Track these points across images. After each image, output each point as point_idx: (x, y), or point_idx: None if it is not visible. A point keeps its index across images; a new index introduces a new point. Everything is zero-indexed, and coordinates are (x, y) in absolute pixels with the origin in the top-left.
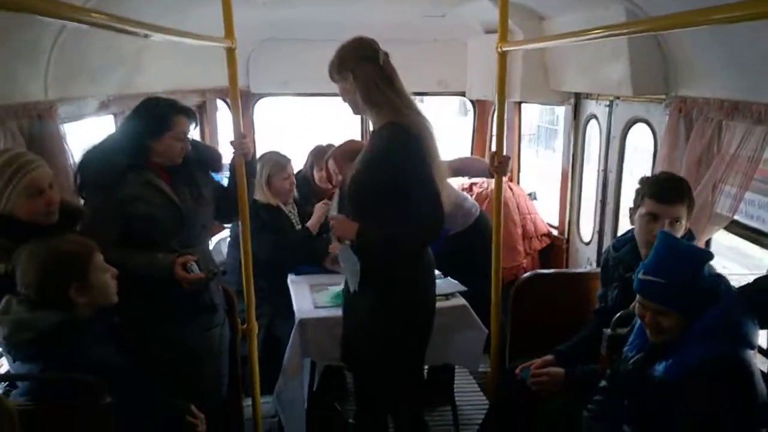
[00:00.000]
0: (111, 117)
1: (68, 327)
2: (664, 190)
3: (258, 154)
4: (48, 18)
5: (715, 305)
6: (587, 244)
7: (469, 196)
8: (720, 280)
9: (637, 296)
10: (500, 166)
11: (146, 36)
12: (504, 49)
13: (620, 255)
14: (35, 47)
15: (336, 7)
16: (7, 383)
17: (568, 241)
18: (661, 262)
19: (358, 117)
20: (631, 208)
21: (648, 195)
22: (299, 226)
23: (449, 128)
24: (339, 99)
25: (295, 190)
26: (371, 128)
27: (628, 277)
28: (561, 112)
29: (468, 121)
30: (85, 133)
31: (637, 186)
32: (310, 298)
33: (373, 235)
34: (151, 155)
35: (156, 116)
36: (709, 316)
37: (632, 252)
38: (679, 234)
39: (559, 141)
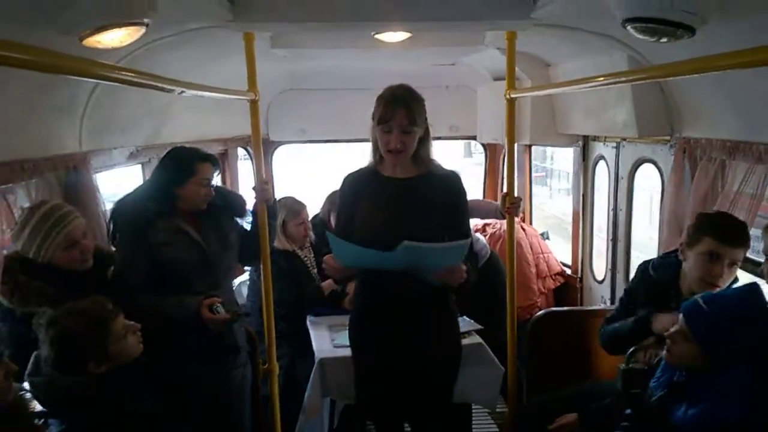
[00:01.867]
0: (139, 166)
1: (93, 386)
2: (730, 232)
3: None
4: (90, 80)
5: (750, 362)
6: (600, 282)
7: (481, 237)
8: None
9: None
10: (512, 207)
11: (181, 93)
12: (512, 95)
13: (658, 279)
14: (72, 102)
15: (351, 59)
16: None
17: (581, 279)
18: (723, 303)
19: None
20: (683, 243)
21: (710, 234)
22: (315, 270)
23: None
24: (354, 144)
25: (311, 234)
26: (398, 173)
27: (660, 302)
28: (553, 152)
29: (473, 163)
30: (115, 182)
31: (695, 222)
32: (329, 338)
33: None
34: (177, 202)
35: (179, 164)
36: (746, 373)
37: (672, 281)
38: (732, 276)
39: (553, 179)
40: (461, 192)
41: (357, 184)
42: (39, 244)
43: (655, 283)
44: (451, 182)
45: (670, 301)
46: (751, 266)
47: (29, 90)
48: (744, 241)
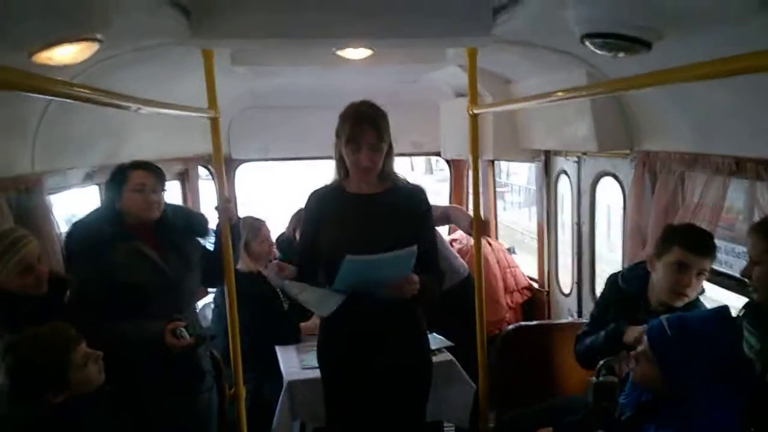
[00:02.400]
0: (96, 187)
1: (51, 416)
2: (698, 242)
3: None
4: (42, 96)
5: (718, 387)
6: (567, 295)
7: (459, 257)
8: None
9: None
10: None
11: (137, 110)
12: (475, 111)
13: (627, 290)
14: (23, 122)
15: (313, 76)
16: None
17: (548, 293)
18: (689, 327)
19: None
20: (652, 255)
21: (678, 244)
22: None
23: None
24: (318, 162)
25: (276, 251)
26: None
27: (630, 313)
28: (511, 167)
29: (434, 180)
30: (71, 203)
31: (663, 233)
32: (297, 359)
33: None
34: (126, 219)
35: (112, 177)
36: (713, 399)
37: (641, 292)
38: (700, 286)
39: (511, 195)
40: (427, 205)
41: (322, 200)
42: None
43: (625, 295)
44: (417, 196)
45: (639, 313)
46: (718, 278)
47: None
48: (711, 251)
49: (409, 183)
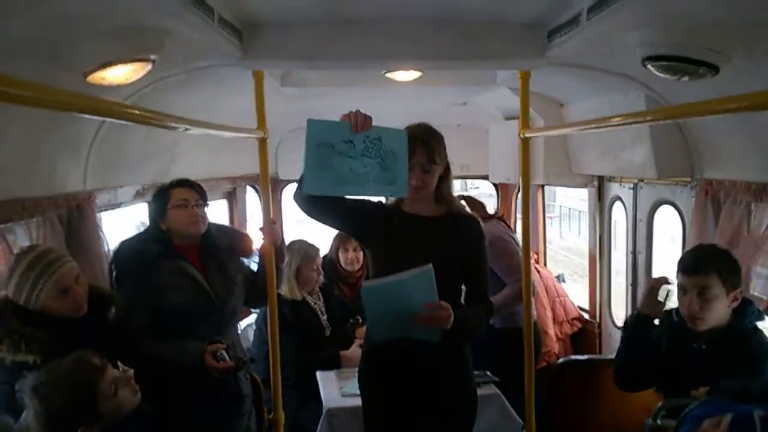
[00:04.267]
0: (146, 205)
1: None
2: (686, 261)
3: (286, 239)
4: (96, 117)
5: None
6: (621, 328)
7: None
8: None
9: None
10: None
11: (186, 130)
12: (526, 135)
13: (679, 321)
14: (76, 140)
15: (362, 97)
16: None
17: (600, 325)
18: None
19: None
20: None
21: (677, 269)
22: (324, 316)
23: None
24: None
25: (321, 277)
26: (413, 211)
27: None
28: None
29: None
30: (122, 220)
31: None
32: (337, 386)
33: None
34: (172, 238)
35: (155, 196)
36: None
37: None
38: (713, 306)
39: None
40: (481, 235)
41: (378, 215)
42: (28, 293)
43: (676, 326)
44: (473, 228)
45: (690, 341)
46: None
47: (34, 128)
48: (705, 266)
49: (465, 211)
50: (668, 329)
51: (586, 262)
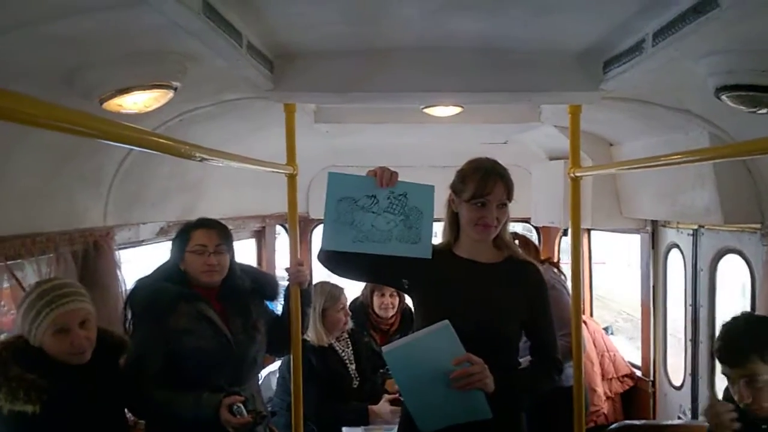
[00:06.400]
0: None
1: None
2: (721, 351)
3: (314, 281)
4: (118, 144)
5: None
6: (678, 388)
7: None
8: None
9: None
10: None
11: (209, 161)
12: (577, 174)
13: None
14: (98, 174)
15: (398, 135)
16: None
17: (654, 384)
18: None
19: None
20: None
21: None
22: (353, 366)
23: None
24: None
25: (350, 320)
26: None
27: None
28: None
29: None
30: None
31: None
32: None
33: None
34: (190, 279)
35: (176, 236)
36: None
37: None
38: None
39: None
40: (546, 289)
41: (428, 263)
42: (30, 323)
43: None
44: (535, 276)
45: (759, 424)
46: None
47: (54, 159)
48: (743, 355)
49: (524, 256)
50: (738, 411)
51: (620, 307)
